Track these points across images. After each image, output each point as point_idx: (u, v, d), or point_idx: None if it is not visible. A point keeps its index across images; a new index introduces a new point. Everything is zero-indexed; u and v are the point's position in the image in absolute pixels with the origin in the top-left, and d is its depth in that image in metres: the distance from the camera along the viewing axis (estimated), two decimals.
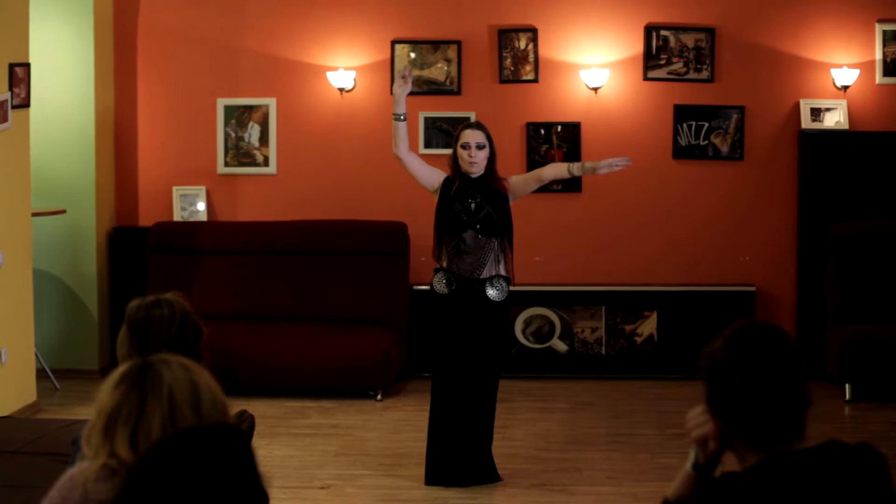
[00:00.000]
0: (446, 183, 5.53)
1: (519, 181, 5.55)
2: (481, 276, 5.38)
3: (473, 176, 5.44)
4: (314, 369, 7.28)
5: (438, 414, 5.55)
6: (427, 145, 8.10)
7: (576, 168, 5.41)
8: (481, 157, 5.40)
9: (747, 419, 2.09)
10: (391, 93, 5.34)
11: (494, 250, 5.38)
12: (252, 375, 7.27)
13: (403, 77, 5.40)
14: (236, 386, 6.96)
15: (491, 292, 5.37)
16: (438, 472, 5.51)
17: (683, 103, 8.05)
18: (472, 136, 5.42)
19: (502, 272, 5.43)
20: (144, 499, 1.75)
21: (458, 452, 5.50)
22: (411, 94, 8.03)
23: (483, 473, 5.56)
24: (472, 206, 5.39)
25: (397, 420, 6.90)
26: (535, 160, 8.07)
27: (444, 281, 5.44)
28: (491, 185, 5.44)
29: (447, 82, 8.11)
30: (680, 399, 7.16)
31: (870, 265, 7.61)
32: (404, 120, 5.46)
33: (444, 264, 5.45)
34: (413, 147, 8.07)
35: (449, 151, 7.57)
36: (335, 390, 7.37)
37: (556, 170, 5.51)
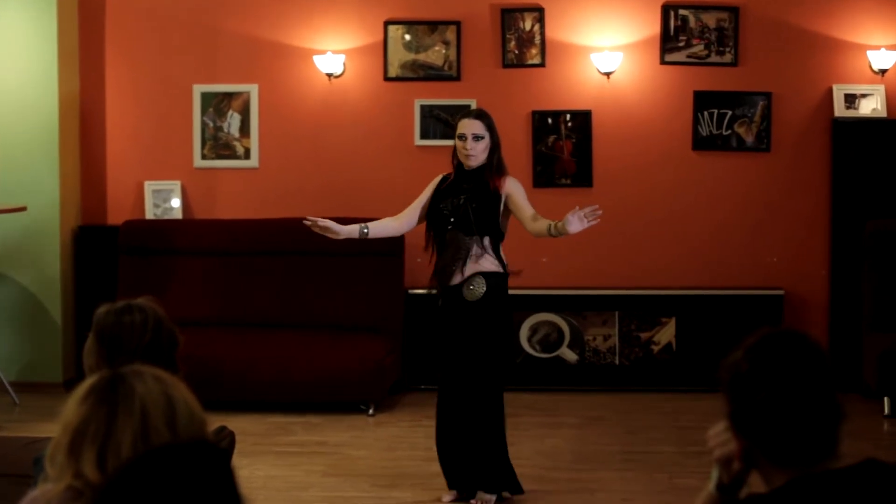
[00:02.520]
0: (441, 181, 5.54)
1: (517, 200, 5.41)
2: (452, 282, 5.36)
3: (471, 168, 5.44)
4: (300, 381, 7.27)
5: (439, 428, 5.58)
6: (423, 136, 8.11)
7: (553, 229, 5.24)
8: (479, 150, 5.39)
9: (773, 436, 2.09)
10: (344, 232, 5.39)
11: (471, 250, 5.36)
12: (232, 388, 7.27)
13: (324, 229, 5.39)
14: (215, 400, 6.93)
15: (466, 292, 5.36)
16: (453, 479, 5.55)
17: (704, 89, 8.05)
18: (468, 127, 5.41)
19: (482, 269, 5.39)
20: None
21: (464, 466, 5.51)
22: (406, 79, 8.11)
23: (499, 480, 5.55)
24: (461, 200, 5.39)
25: (391, 437, 6.91)
26: (541, 152, 8.08)
27: (435, 291, 5.47)
28: (485, 180, 5.41)
29: (445, 67, 8.12)
30: (701, 413, 7.16)
31: None
32: (368, 232, 5.46)
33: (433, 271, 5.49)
34: (409, 137, 8.11)
35: (447, 142, 7.60)
36: (323, 404, 7.37)
37: (540, 225, 5.34)
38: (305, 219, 5.44)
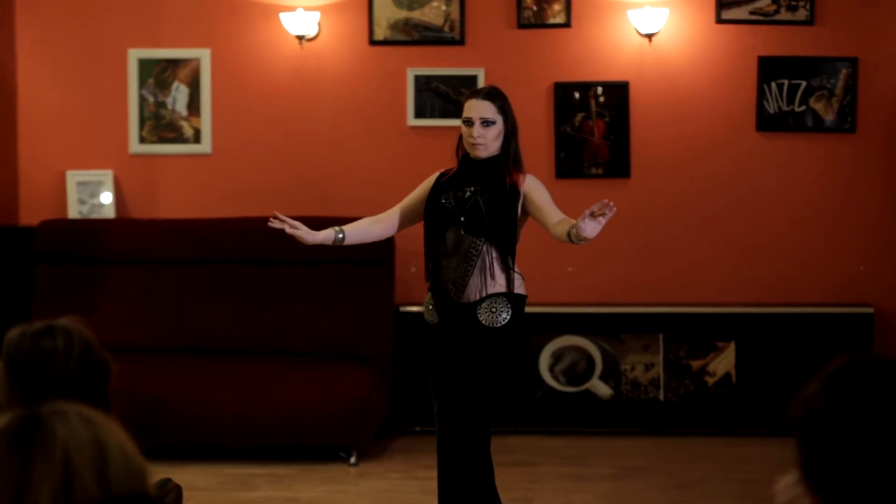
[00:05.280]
0: (440, 177, 5.53)
1: (537, 200, 5.39)
2: (464, 297, 5.34)
3: (480, 158, 5.44)
4: (264, 423, 7.28)
5: (439, 478, 5.56)
6: (419, 114, 8.11)
7: (572, 235, 5.19)
8: (489, 138, 5.38)
9: (856, 491, 2.09)
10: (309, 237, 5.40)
11: (483, 257, 5.34)
12: (179, 431, 7.28)
13: (291, 228, 5.40)
14: (158, 446, 6.97)
15: (482, 316, 5.35)
16: None
17: (772, 55, 8.06)
18: (476, 109, 5.40)
19: (500, 289, 5.39)
20: None
21: None
22: (397, 43, 8.13)
23: None
24: (467, 193, 5.38)
25: (378, 491, 6.92)
26: (566, 134, 8.09)
27: (429, 305, 5.46)
28: (499, 171, 5.40)
29: (446, 28, 8.13)
30: (766, 462, 7.17)
31: None
32: (344, 238, 5.47)
33: (430, 281, 5.47)
34: (400, 116, 8.12)
35: (447, 122, 7.62)
36: (293, 451, 7.38)
37: (560, 229, 5.32)
38: (273, 216, 5.43)
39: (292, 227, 5.40)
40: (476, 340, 5.33)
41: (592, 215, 4.98)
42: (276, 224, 5.41)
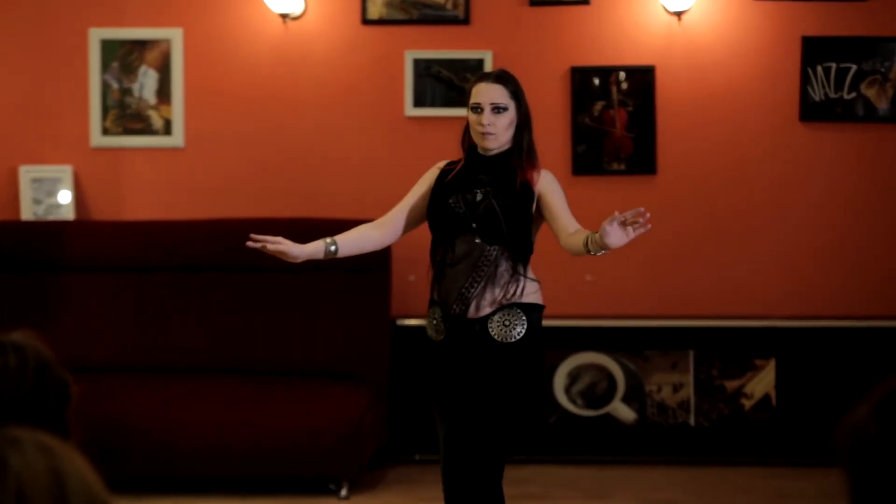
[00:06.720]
0: (443, 173, 5.54)
1: (552, 203, 5.40)
2: (473, 311, 5.34)
3: (490, 153, 5.45)
4: (244, 451, 7.28)
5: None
6: (418, 103, 8.11)
7: (591, 243, 5.17)
8: (501, 126, 5.39)
9: None
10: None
11: (495, 266, 5.35)
12: (148, 460, 7.27)
13: (278, 252, 5.38)
14: (124, 476, 6.97)
15: (494, 330, 5.36)
16: None
17: (818, 35, 8.06)
18: (486, 94, 5.41)
19: (519, 299, 5.40)
20: None
21: None
22: (394, 22, 8.13)
23: None
24: (478, 195, 5.38)
25: None
26: (584, 125, 8.08)
27: (433, 320, 5.45)
28: (513, 169, 5.41)
29: (449, 5, 8.13)
30: (810, 496, 7.18)
31: None
32: (336, 250, 5.44)
33: (434, 293, 5.47)
34: (397, 104, 8.12)
35: (451, 112, 7.61)
36: (276, 483, 7.38)
37: (576, 239, 5.31)
38: (250, 238, 5.40)
39: (274, 243, 5.36)
40: (487, 357, 5.34)
41: (624, 223, 4.95)
42: (254, 245, 5.37)
